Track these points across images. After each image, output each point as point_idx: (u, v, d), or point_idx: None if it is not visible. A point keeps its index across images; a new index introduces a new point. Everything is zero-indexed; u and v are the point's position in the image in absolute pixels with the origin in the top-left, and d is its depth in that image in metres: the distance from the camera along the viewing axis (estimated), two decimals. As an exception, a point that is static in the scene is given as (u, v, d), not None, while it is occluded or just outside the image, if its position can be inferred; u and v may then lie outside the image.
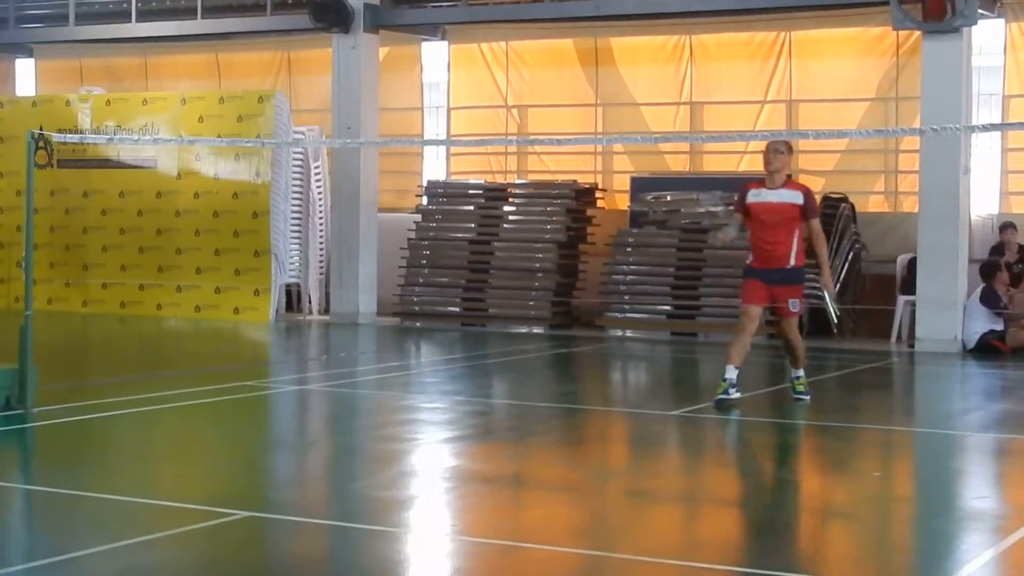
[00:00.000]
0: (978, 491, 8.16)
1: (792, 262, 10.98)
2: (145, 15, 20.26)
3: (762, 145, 14.18)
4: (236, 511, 6.84)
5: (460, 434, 10.08)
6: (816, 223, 11.37)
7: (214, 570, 5.92)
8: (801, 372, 11.10)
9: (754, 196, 11.14)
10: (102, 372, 13.27)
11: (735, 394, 10.73)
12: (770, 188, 11.11)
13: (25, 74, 22.66)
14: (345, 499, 7.71)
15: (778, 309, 11.27)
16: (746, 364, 11.70)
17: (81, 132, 18.34)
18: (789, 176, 11.55)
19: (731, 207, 14.45)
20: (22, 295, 10.73)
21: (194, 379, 12.40)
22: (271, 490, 8.15)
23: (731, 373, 10.83)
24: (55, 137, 14.22)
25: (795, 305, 11.06)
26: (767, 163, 11.22)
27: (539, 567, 6.06)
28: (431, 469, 8.62)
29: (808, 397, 11.18)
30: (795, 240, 11.03)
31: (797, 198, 11.07)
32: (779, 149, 11.31)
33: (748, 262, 11.31)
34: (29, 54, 22.29)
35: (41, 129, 12.60)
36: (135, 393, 11.02)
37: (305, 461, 9.37)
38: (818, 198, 15.42)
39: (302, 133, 18.57)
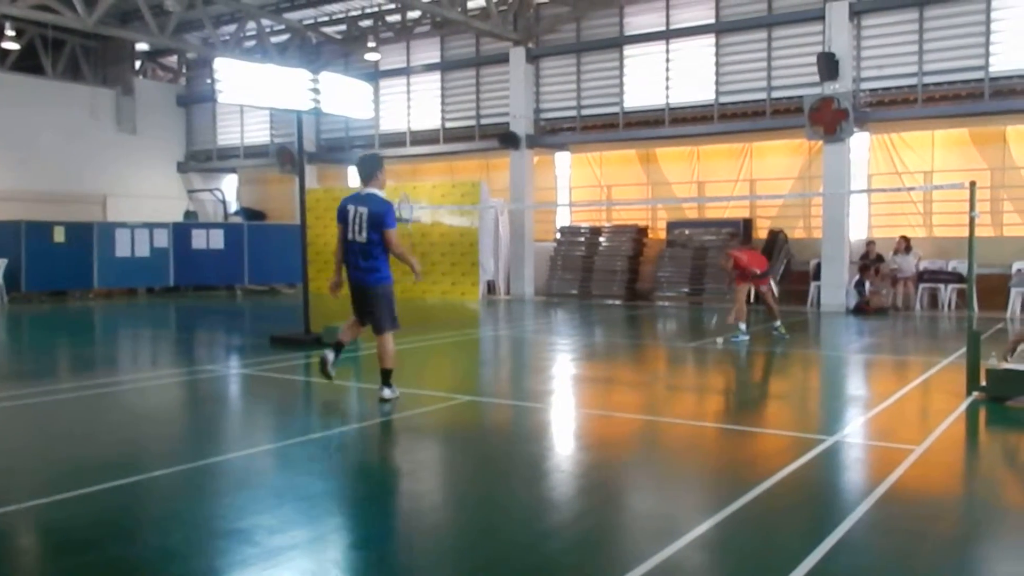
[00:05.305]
0: (855, 385, 8.13)
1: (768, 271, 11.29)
2: (413, 143, 20.65)
3: (738, 203, 14.14)
4: (469, 396, 6.99)
5: (577, 355, 10.09)
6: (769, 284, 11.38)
7: (454, 423, 6.10)
8: (778, 322, 10.96)
9: (743, 258, 10.90)
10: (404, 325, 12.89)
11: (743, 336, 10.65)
12: (750, 253, 11.29)
13: (352, 174, 21.45)
14: (519, 389, 7.73)
15: (759, 289, 11.22)
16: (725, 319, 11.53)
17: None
18: (754, 248, 11.28)
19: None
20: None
21: (444, 328, 12.55)
22: (480, 384, 8.23)
23: (742, 326, 10.78)
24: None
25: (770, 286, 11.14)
26: (740, 258, 10.89)
27: (620, 425, 6.20)
28: (563, 374, 8.66)
29: (786, 336, 10.85)
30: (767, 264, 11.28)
31: (763, 263, 11.30)
32: (729, 258, 11.01)
33: (734, 279, 11.07)
34: (353, 164, 20.21)
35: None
36: (420, 336, 11.04)
37: (498, 370, 9.34)
38: (767, 231, 15.88)
39: (495, 203, 18.63)
